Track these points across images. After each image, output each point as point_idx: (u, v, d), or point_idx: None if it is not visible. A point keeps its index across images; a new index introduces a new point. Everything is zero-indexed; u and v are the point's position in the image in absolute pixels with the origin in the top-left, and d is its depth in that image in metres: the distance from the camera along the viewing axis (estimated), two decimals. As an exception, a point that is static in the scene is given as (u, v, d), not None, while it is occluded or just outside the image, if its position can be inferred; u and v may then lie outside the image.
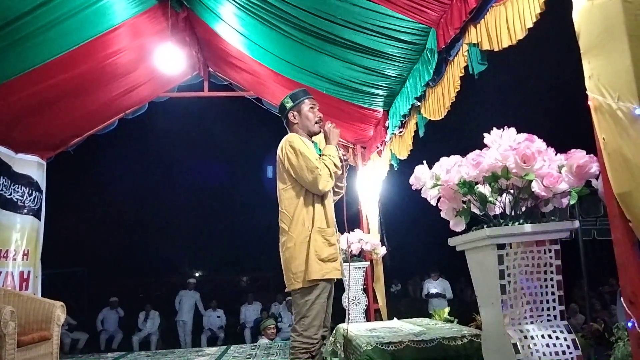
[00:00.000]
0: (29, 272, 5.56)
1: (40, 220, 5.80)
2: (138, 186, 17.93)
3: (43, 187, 5.89)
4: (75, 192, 14.76)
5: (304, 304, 2.48)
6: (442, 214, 1.95)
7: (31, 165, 5.68)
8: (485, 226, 1.74)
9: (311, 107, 2.75)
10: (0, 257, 5.19)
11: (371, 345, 2.96)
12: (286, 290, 2.62)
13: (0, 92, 4.21)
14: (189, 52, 5.35)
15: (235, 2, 4.11)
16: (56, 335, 4.00)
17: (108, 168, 16.92)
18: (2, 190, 5.16)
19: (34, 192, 5.68)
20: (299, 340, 2.45)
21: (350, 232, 5.31)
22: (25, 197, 5.53)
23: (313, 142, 2.83)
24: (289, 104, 2.75)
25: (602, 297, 8.92)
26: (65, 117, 5.34)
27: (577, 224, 1.74)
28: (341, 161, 2.69)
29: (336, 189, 2.79)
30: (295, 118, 2.74)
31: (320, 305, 2.49)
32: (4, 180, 5.19)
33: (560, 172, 1.70)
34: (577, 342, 1.68)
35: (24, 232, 5.51)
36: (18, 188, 5.43)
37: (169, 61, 4.77)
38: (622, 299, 1.54)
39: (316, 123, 2.73)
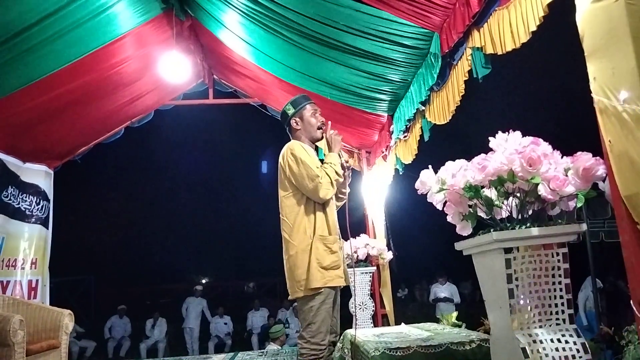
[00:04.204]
0: (37, 280, 5.58)
1: (48, 229, 5.83)
2: (144, 194, 18.05)
3: (50, 196, 5.92)
4: (83, 201, 14.86)
5: (309, 311, 2.48)
6: (449, 219, 1.95)
7: (39, 175, 5.72)
8: (492, 230, 1.74)
9: (313, 112, 2.75)
10: (9, 266, 5.22)
11: (379, 351, 2.95)
12: (289, 298, 2.63)
13: (8, 102, 4.25)
14: (194, 60, 5.38)
15: (239, 10, 4.14)
16: (64, 343, 4.01)
17: (115, 176, 17.06)
18: (10, 199, 5.19)
19: (41, 201, 5.72)
20: (307, 347, 2.45)
21: (356, 237, 5.30)
22: (33, 206, 5.57)
23: (317, 147, 2.84)
24: (291, 111, 2.75)
25: (612, 300, 8.81)
26: (72, 126, 5.38)
27: (584, 226, 1.73)
28: (344, 168, 2.69)
29: (339, 195, 2.80)
30: (297, 124, 2.74)
31: (325, 311, 2.48)
32: (12, 189, 5.23)
33: (566, 175, 1.69)
34: (587, 345, 1.66)
35: (32, 241, 5.54)
36: (26, 197, 5.47)
37: (174, 69, 4.80)
38: (631, 301, 1.52)
39: (319, 128, 2.74)
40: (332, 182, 2.55)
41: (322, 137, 2.77)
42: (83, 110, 5.16)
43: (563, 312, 1.72)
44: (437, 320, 4.90)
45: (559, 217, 1.82)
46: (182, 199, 19.53)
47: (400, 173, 5.16)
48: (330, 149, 2.70)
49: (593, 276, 5.82)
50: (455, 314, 4.60)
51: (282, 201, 2.64)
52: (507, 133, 1.84)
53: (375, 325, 5.40)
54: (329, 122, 2.77)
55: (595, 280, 5.93)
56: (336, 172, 2.58)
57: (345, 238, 2.82)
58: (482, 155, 1.82)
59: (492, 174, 1.74)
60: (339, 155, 2.69)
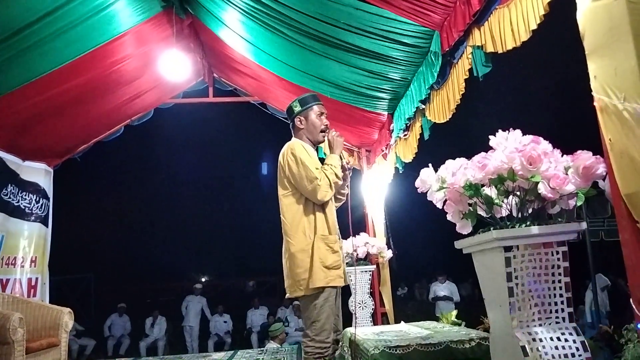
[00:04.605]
0: (36, 278, 5.58)
1: (47, 227, 5.83)
2: (144, 192, 18.01)
3: (50, 194, 5.92)
4: (82, 199, 14.84)
5: (313, 309, 2.47)
6: (449, 217, 1.94)
7: (38, 173, 5.72)
8: (492, 228, 1.74)
9: (319, 115, 2.72)
10: (8, 264, 5.22)
11: (379, 349, 2.95)
12: (287, 296, 2.62)
13: (7, 100, 4.25)
14: (194, 59, 5.38)
15: (239, 8, 4.13)
16: (64, 341, 4.02)
17: (114, 174, 17.01)
18: (10, 197, 5.19)
19: (41, 199, 5.72)
20: (312, 345, 2.44)
21: (356, 235, 5.30)
22: (32, 205, 5.57)
23: (317, 147, 2.83)
24: (297, 108, 2.73)
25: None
26: (72, 124, 5.38)
27: (584, 225, 1.73)
28: (344, 169, 2.68)
29: (338, 196, 2.79)
30: (301, 123, 2.72)
31: (329, 308, 2.48)
32: (11, 187, 5.22)
33: (566, 174, 1.69)
34: (587, 344, 1.66)
35: (31, 239, 5.54)
36: (25, 195, 5.47)
37: (174, 68, 4.80)
38: (631, 300, 1.52)
39: (322, 131, 2.71)
40: (330, 185, 2.53)
41: (324, 140, 2.76)
42: (83, 109, 5.16)
43: (563, 310, 1.72)
44: (437, 319, 4.91)
45: (559, 216, 1.82)
46: (182, 197, 19.51)
47: (400, 172, 5.16)
48: (331, 150, 2.68)
49: (593, 275, 5.83)
50: (454, 312, 4.61)
51: (281, 200, 2.63)
52: (507, 131, 1.84)
53: (375, 323, 5.40)
54: (332, 130, 2.76)
55: (595, 279, 5.95)
56: (336, 175, 2.56)
57: (347, 236, 2.82)
58: (482, 153, 1.82)
59: (492, 172, 1.74)
60: (340, 156, 2.68)
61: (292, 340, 8.45)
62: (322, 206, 2.60)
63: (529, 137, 1.77)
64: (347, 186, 2.83)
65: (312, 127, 2.71)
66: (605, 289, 7.40)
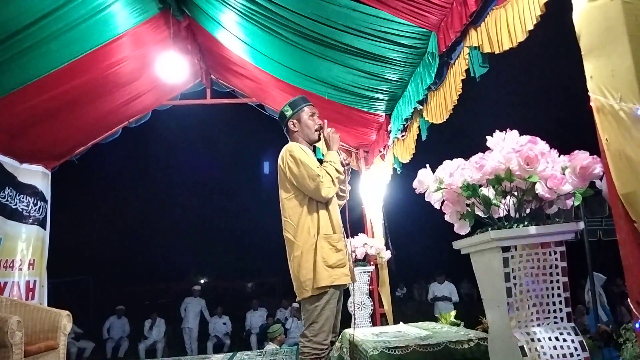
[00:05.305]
0: (34, 281, 5.57)
1: (45, 229, 5.82)
2: (142, 194, 18.02)
3: (48, 197, 5.91)
4: (80, 201, 14.83)
5: (313, 310, 2.47)
6: (447, 217, 1.95)
7: (36, 175, 5.71)
8: (489, 229, 1.74)
9: (311, 115, 2.74)
10: (6, 267, 5.21)
11: (377, 350, 2.95)
12: (297, 300, 2.62)
13: (4, 103, 4.24)
14: (191, 60, 5.38)
15: (236, 9, 4.14)
16: (63, 344, 4.01)
17: (112, 176, 17.02)
18: (7, 200, 5.18)
19: (39, 201, 5.71)
20: (309, 346, 2.44)
21: (355, 236, 5.31)
22: (30, 207, 5.56)
23: (315, 148, 2.83)
24: (289, 112, 2.75)
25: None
26: (69, 126, 5.37)
27: (582, 225, 1.73)
28: (343, 166, 2.69)
29: (340, 193, 2.80)
30: (295, 126, 2.74)
31: (330, 310, 2.48)
32: (9, 190, 5.21)
33: (563, 174, 1.70)
34: (585, 344, 1.67)
35: (29, 242, 5.53)
36: (23, 198, 5.46)
37: (172, 69, 4.80)
38: (629, 299, 1.53)
39: (316, 131, 2.73)
40: (333, 180, 2.54)
41: (319, 140, 2.77)
42: (80, 111, 5.15)
43: (561, 310, 1.72)
44: (436, 319, 4.91)
45: (557, 216, 1.83)
46: (180, 199, 19.53)
47: (398, 172, 5.17)
48: (328, 148, 2.70)
49: (591, 274, 5.84)
50: (453, 312, 4.61)
51: (284, 203, 2.64)
52: (504, 132, 1.84)
53: (374, 324, 5.40)
54: (325, 121, 2.77)
55: (593, 278, 5.95)
56: (336, 170, 2.58)
57: (345, 236, 2.82)
58: (480, 154, 1.82)
59: (490, 172, 1.74)
60: (338, 152, 2.70)
61: (291, 341, 8.45)
62: (326, 205, 2.60)
63: (526, 138, 1.78)
64: (348, 183, 2.84)
65: (306, 127, 2.73)
66: (605, 285, 7.46)
